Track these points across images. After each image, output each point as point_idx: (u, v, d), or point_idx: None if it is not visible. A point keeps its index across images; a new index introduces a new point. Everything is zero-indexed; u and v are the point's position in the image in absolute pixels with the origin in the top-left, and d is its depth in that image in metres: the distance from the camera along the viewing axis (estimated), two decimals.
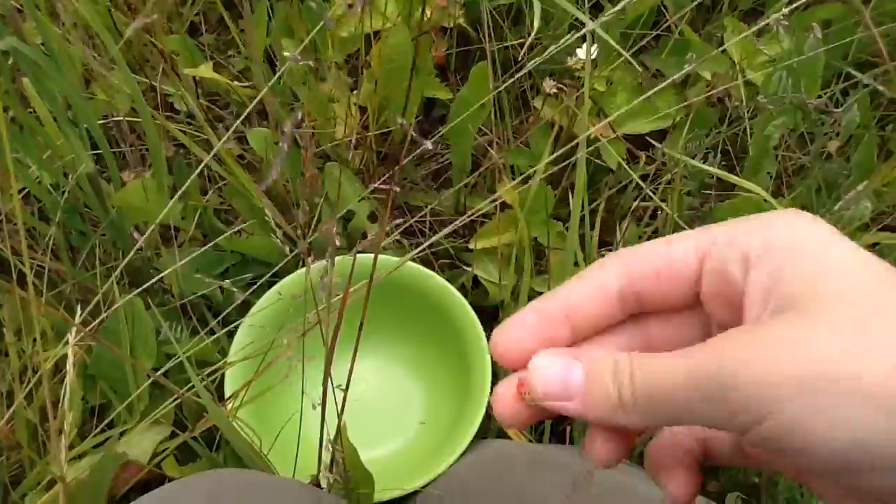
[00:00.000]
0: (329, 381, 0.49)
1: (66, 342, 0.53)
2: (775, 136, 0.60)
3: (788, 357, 0.23)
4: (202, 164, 0.59)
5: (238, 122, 0.59)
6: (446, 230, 0.60)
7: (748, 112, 0.70)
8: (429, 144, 0.44)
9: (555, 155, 0.60)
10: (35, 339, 0.61)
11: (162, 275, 0.59)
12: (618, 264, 0.28)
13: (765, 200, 0.64)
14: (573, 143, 0.72)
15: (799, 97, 0.55)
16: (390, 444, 0.70)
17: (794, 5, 0.58)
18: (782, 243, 0.26)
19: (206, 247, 0.67)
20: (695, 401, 0.24)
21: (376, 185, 0.62)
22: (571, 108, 0.70)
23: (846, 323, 0.23)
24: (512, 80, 0.69)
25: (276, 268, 0.68)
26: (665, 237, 0.28)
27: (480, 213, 0.76)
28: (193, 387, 0.56)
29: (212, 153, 0.57)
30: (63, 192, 0.64)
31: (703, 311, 0.28)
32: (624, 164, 0.65)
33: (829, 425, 0.22)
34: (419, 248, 0.58)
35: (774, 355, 0.23)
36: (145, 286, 0.59)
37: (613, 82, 0.76)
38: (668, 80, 0.57)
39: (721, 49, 0.71)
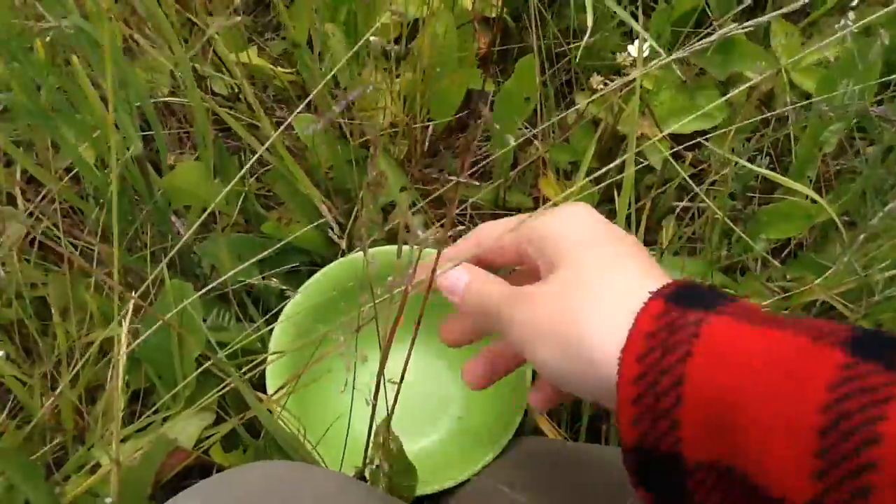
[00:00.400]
0: (379, 376, 0.49)
1: (119, 323, 0.53)
2: (832, 141, 0.60)
3: (529, 306, 0.41)
4: (257, 154, 0.59)
5: (293, 116, 0.58)
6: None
7: (794, 114, 0.70)
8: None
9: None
10: (81, 320, 0.61)
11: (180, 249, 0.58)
12: (474, 243, 0.49)
13: (813, 202, 0.64)
14: (617, 141, 0.72)
15: (862, 104, 0.54)
16: (427, 439, 0.70)
17: (852, 6, 0.58)
18: (553, 233, 0.43)
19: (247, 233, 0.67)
20: (494, 320, 0.44)
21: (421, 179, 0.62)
22: (618, 105, 0.70)
23: (563, 281, 0.41)
24: (560, 74, 0.69)
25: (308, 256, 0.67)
26: (500, 225, 0.48)
27: (520, 207, 0.76)
28: (245, 374, 0.57)
29: (266, 144, 0.56)
30: (110, 173, 0.63)
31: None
32: (672, 161, 0.65)
33: (545, 357, 0.40)
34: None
35: (524, 304, 0.42)
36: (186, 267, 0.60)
37: (657, 80, 0.76)
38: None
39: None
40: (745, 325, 0.35)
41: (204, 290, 0.58)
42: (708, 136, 0.67)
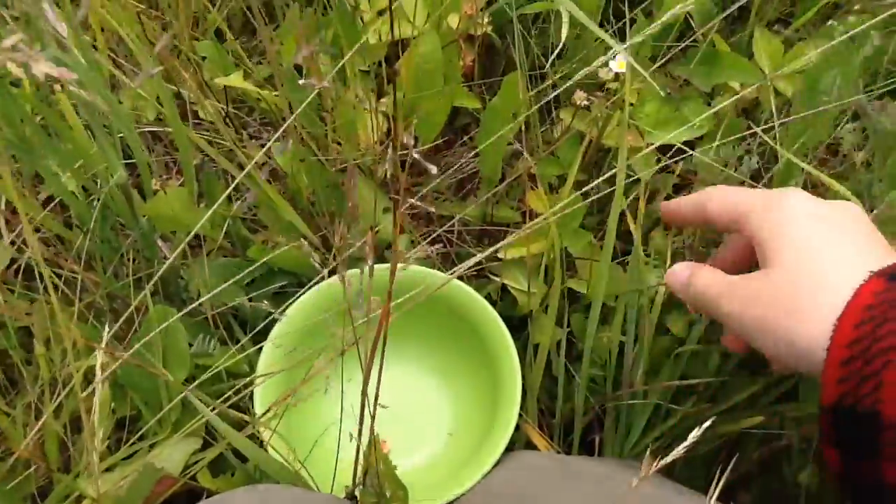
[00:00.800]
0: (362, 395, 0.49)
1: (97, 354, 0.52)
2: (815, 138, 0.60)
3: (746, 306, 0.47)
4: (236, 181, 0.59)
5: (271, 140, 0.58)
6: (495, 247, 0.60)
7: (778, 121, 0.70)
8: (433, 170, 0.45)
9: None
10: (64, 350, 0.60)
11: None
12: (706, 198, 0.54)
13: None
14: (603, 154, 0.72)
15: (859, 102, 0.54)
16: (418, 456, 0.70)
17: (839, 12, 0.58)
18: (775, 219, 0.48)
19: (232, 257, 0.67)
20: (712, 312, 0.51)
21: (409, 201, 0.62)
22: (601, 120, 0.70)
23: (778, 286, 0.46)
24: (542, 91, 0.69)
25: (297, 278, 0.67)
26: (731, 191, 0.53)
27: (508, 222, 0.75)
28: (227, 401, 0.56)
29: (244, 172, 0.56)
30: (94, 201, 0.63)
31: None
32: (656, 173, 0.65)
33: (764, 349, 0.47)
34: (462, 267, 0.57)
35: (741, 303, 0.48)
36: (171, 297, 0.59)
37: (640, 93, 0.75)
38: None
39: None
40: None
41: (187, 311, 0.57)
42: (694, 145, 0.67)
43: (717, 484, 0.41)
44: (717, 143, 0.68)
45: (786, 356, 0.45)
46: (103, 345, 0.46)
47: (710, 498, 0.41)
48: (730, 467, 0.47)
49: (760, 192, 0.51)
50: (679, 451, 0.42)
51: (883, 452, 0.40)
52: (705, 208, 0.53)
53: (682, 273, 0.54)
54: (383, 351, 0.44)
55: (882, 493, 0.41)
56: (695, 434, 0.42)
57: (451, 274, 0.56)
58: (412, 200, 0.45)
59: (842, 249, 0.45)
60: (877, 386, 0.39)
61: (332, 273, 0.69)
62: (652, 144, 0.65)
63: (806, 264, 0.45)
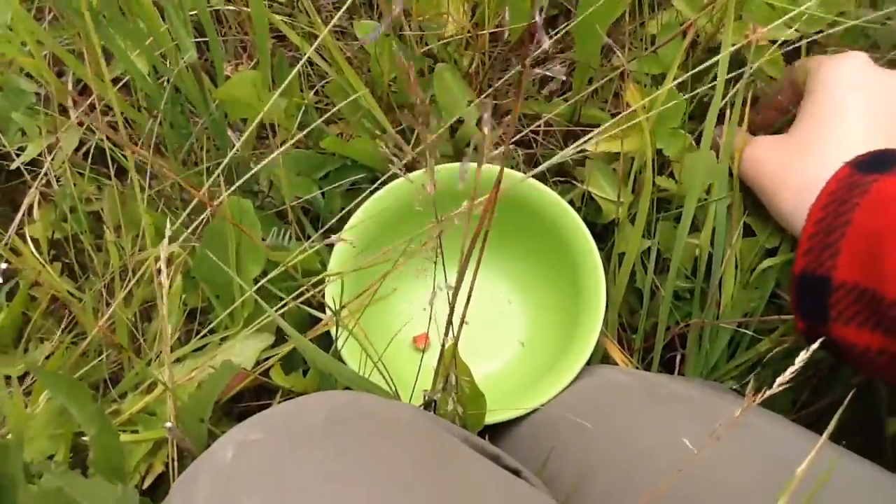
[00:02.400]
0: (453, 295, 0.46)
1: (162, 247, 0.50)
2: None
3: (772, 164, 0.56)
4: (305, 57, 0.55)
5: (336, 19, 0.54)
6: (585, 138, 0.55)
7: None
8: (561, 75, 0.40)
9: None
10: (134, 237, 0.59)
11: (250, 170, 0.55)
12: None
13: None
14: (710, 55, 0.66)
15: None
16: (490, 364, 0.67)
17: None
18: (822, 80, 0.55)
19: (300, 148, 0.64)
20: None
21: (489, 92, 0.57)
22: (715, 11, 0.63)
23: (791, 149, 0.55)
24: None
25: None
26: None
27: (598, 123, 0.70)
28: (300, 297, 0.54)
29: (316, 42, 0.52)
30: (164, 83, 0.60)
31: None
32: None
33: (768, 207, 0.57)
34: (548, 163, 0.53)
35: (771, 159, 0.57)
36: (243, 182, 0.56)
37: None
38: None
39: None
40: None
41: (259, 204, 0.54)
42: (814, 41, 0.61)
43: (834, 423, 0.38)
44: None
45: (779, 220, 0.56)
46: (167, 234, 0.43)
47: (825, 435, 0.38)
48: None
49: (829, 55, 0.57)
50: (786, 376, 0.39)
51: (831, 313, 0.49)
52: (792, 76, 0.60)
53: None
54: (481, 251, 0.41)
55: (838, 348, 0.50)
56: (802, 357, 0.39)
57: (535, 170, 0.52)
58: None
59: (856, 126, 0.53)
60: (833, 254, 0.48)
61: (409, 169, 0.66)
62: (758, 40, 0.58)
63: (819, 134, 0.54)
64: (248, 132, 0.64)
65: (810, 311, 0.51)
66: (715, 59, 0.57)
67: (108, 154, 0.58)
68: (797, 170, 0.54)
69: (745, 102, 0.62)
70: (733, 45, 0.57)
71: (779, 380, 0.39)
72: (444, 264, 0.47)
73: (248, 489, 0.35)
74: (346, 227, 0.61)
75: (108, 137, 0.59)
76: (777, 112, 0.64)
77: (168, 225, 0.46)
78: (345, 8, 0.54)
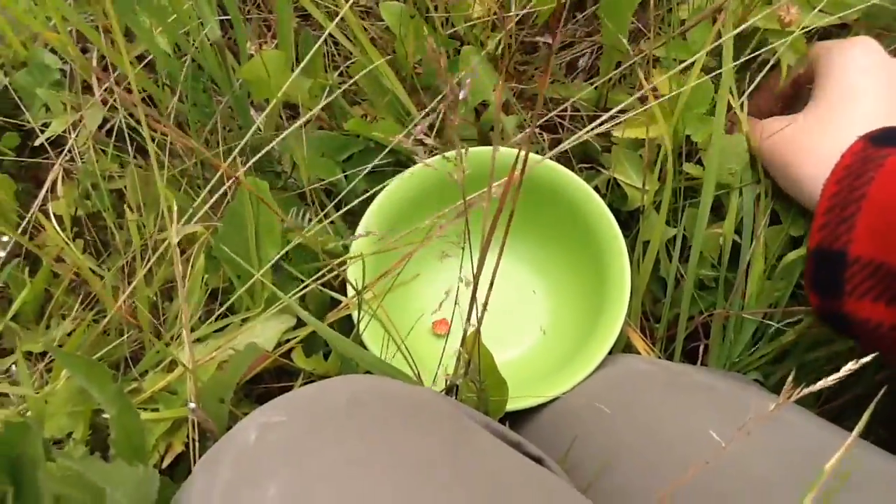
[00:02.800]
0: (474, 281, 0.45)
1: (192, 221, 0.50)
2: None
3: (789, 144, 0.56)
4: (325, 32, 0.54)
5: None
6: (594, 125, 0.54)
7: None
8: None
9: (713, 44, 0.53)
10: (156, 215, 0.59)
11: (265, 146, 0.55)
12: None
13: None
14: (744, 41, 0.65)
15: None
16: (512, 350, 0.67)
17: None
18: (834, 63, 0.55)
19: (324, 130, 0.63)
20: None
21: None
22: None
23: (806, 127, 0.55)
24: None
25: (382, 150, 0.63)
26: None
27: (625, 109, 0.69)
28: (321, 278, 0.53)
29: (337, 18, 0.51)
30: (186, 60, 0.60)
31: None
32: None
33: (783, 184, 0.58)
34: (569, 142, 0.52)
35: (777, 138, 0.57)
36: (260, 162, 0.56)
37: None
38: None
39: None
40: None
41: (281, 185, 0.54)
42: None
43: (865, 420, 0.37)
44: None
45: (796, 197, 0.56)
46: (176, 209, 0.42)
47: (856, 432, 0.37)
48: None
49: (838, 40, 0.57)
50: (830, 381, 0.38)
51: (846, 288, 0.49)
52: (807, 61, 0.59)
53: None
54: (506, 234, 0.40)
55: (850, 324, 0.50)
56: (850, 367, 0.37)
57: (553, 151, 0.51)
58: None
59: (869, 107, 0.53)
60: (849, 228, 0.48)
61: (430, 154, 0.65)
62: (804, 27, 0.57)
63: (833, 113, 0.54)
64: (268, 110, 0.64)
65: (825, 286, 0.50)
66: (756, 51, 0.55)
67: (128, 133, 0.58)
68: (813, 147, 0.54)
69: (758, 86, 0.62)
70: (762, 28, 0.56)
71: (821, 382, 0.38)
72: (470, 247, 0.46)
73: (271, 471, 0.35)
74: (369, 210, 0.60)
75: (130, 115, 0.59)
76: (775, 98, 0.64)
77: (199, 199, 0.46)
78: None
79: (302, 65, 0.53)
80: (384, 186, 0.61)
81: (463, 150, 0.43)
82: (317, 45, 0.56)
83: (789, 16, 0.54)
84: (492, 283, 0.45)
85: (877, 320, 0.48)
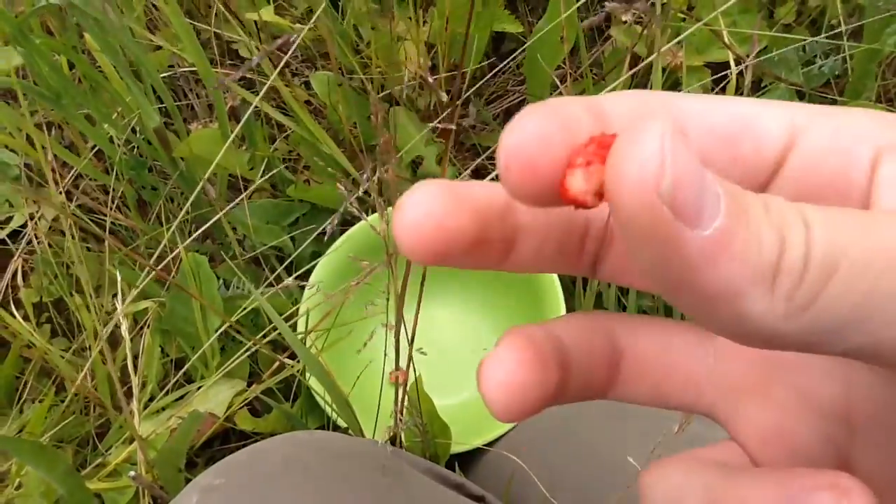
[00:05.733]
0: (402, 332, 0.48)
1: (141, 298, 0.53)
2: (890, 42, 0.54)
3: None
4: (252, 107, 0.58)
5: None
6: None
7: (846, 31, 0.64)
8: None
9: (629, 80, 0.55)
10: (115, 294, 0.62)
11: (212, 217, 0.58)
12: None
13: None
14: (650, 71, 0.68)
15: None
16: (465, 393, 0.69)
17: None
18: None
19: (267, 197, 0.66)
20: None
21: (435, 123, 0.60)
22: (650, 36, 0.65)
23: None
24: (592, 9, 0.65)
25: (337, 215, 0.66)
26: (750, 99, 0.19)
27: None
28: (265, 337, 0.56)
29: (259, 95, 0.55)
30: (132, 148, 0.63)
31: None
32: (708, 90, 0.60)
33: None
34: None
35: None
36: (202, 235, 0.59)
37: (695, 7, 0.70)
38: None
39: None
40: None
41: (232, 258, 0.57)
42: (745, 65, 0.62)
43: None
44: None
45: None
46: (119, 290, 0.46)
47: None
48: None
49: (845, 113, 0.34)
50: None
51: None
52: None
53: (711, 186, 0.18)
54: (422, 288, 0.43)
55: None
56: None
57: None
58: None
59: None
60: None
61: (371, 212, 0.68)
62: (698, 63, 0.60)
63: None
64: (222, 188, 0.67)
65: None
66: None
67: (81, 222, 0.61)
68: None
69: None
70: (664, 67, 0.59)
71: None
72: (391, 302, 0.49)
73: None
74: (316, 270, 0.63)
75: (80, 207, 0.63)
76: None
77: (118, 282, 0.49)
78: (282, 64, 0.56)
79: (230, 138, 0.56)
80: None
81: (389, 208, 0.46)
82: (242, 124, 0.59)
83: (676, 59, 0.57)
84: (412, 334, 0.47)
85: None
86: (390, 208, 0.52)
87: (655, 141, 0.13)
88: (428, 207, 0.16)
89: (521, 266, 0.19)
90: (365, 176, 0.55)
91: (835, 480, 0.15)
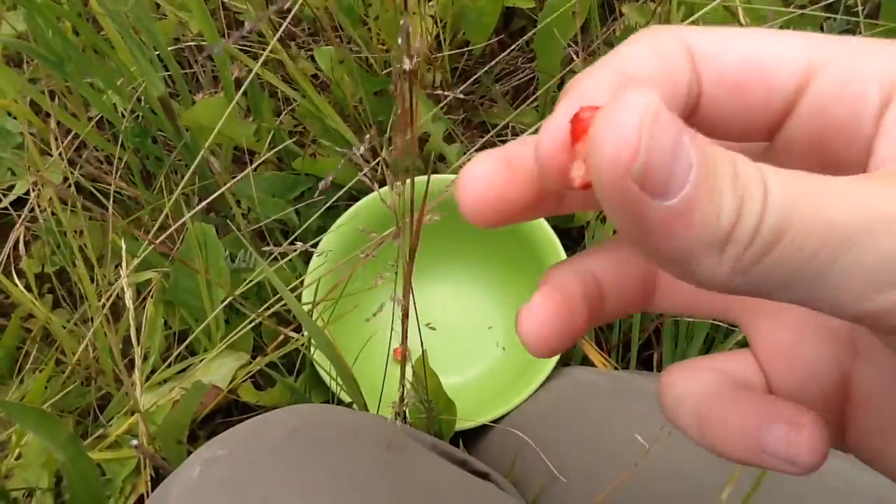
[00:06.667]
0: (405, 311, 0.47)
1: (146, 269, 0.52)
2: None
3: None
4: (253, 73, 0.57)
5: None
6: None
7: (863, 11, 0.63)
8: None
9: None
10: (118, 265, 0.61)
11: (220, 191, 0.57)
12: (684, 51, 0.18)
13: None
14: None
15: None
16: (470, 371, 0.68)
17: None
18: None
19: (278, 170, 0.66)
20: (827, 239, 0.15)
21: (447, 100, 0.59)
22: (663, 13, 0.65)
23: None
24: None
25: (347, 188, 0.65)
26: (769, 32, 0.19)
27: None
28: (269, 309, 0.55)
29: (260, 61, 0.54)
30: (136, 117, 0.63)
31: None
32: None
33: None
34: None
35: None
36: (208, 206, 0.59)
37: None
38: None
39: None
40: None
41: (237, 230, 0.56)
42: None
43: None
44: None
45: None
46: (124, 259, 0.45)
47: None
48: None
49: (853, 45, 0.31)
50: None
51: None
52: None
53: (684, 155, 0.21)
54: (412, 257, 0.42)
55: None
56: None
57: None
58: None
59: None
60: None
61: (380, 185, 0.67)
62: None
63: None
64: (227, 160, 0.67)
65: None
66: None
67: (91, 187, 0.61)
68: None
69: None
70: None
71: None
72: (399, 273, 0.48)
73: (214, 502, 0.37)
74: (321, 244, 0.63)
75: (84, 176, 0.62)
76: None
77: (122, 251, 0.48)
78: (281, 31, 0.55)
79: (231, 105, 0.55)
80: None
81: (405, 180, 0.45)
82: (240, 91, 0.58)
83: None
84: (413, 303, 0.47)
85: None
86: (398, 183, 0.52)
87: (634, 117, 0.14)
88: (487, 181, 0.18)
89: (574, 207, 0.21)
90: (360, 151, 0.55)
91: (795, 416, 0.18)
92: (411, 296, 0.45)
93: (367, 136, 0.46)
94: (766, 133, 0.19)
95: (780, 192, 0.15)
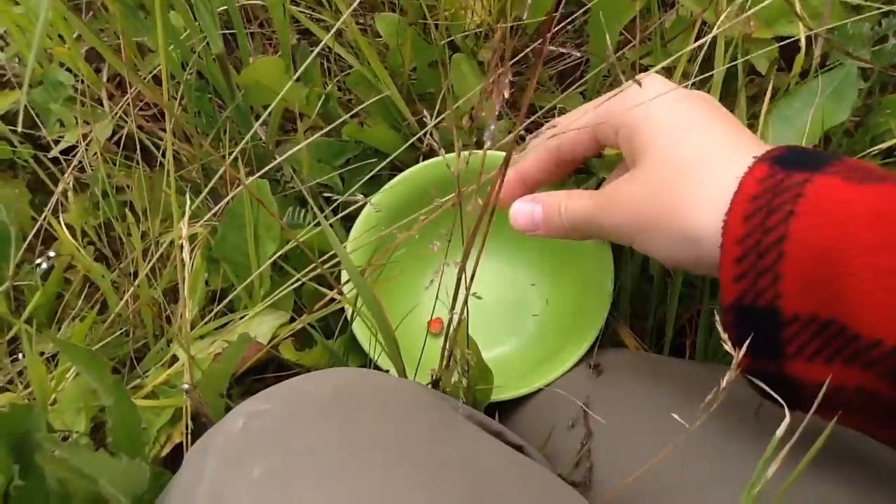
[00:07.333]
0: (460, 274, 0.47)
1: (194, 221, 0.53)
2: None
3: (624, 210, 0.45)
4: (322, 43, 0.57)
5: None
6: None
7: None
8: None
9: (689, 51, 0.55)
10: (165, 219, 0.61)
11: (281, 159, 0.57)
12: (550, 145, 0.54)
13: None
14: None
15: None
16: (505, 346, 0.68)
17: None
18: (639, 111, 0.45)
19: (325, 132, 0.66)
20: (593, 230, 0.48)
21: (497, 76, 0.59)
22: (719, 4, 0.64)
23: (653, 177, 0.43)
24: None
25: (391, 157, 0.65)
26: (576, 112, 0.53)
27: None
28: (314, 270, 0.56)
29: (336, 26, 0.54)
30: (192, 73, 0.63)
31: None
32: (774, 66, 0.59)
33: (656, 250, 0.43)
34: (542, 131, 0.54)
35: (619, 209, 0.45)
36: (266, 170, 0.59)
37: None
38: None
39: None
40: (849, 182, 0.36)
41: (280, 190, 0.57)
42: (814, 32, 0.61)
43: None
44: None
45: (683, 254, 0.42)
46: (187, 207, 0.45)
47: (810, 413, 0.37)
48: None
49: (611, 96, 0.47)
50: None
51: (786, 349, 0.37)
52: (557, 149, 0.53)
53: (532, 211, 0.52)
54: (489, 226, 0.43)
55: (787, 386, 0.38)
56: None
57: (534, 137, 0.54)
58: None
59: (716, 133, 0.43)
60: (775, 279, 0.36)
61: (426, 156, 0.67)
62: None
63: (682, 151, 0.43)
64: (275, 122, 0.67)
65: (756, 346, 0.38)
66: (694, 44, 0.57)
67: (138, 141, 0.61)
68: (688, 186, 0.41)
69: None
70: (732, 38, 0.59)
71: None
72: (463, 238, 0.48)
73: (256, 456, 0.37)
74: (364, 211, 0.63)
75: (139, 127, 0.62)
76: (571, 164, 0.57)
77: (188, 203, 0.49)
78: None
79: (300, 71, 0.56)
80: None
81: (466, 153, 0.47)
82: (313, 55, 0.59)
83: (750, 28, 0.56)
84: (472, 275, 0.47)
85: (837, 383, 0.37)
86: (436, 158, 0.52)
87: (527, 211, 0.53)
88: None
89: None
90: (430, 122, 0.56)
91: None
92: (468, 262, 0.45)
93: (436, 107, 0.47)
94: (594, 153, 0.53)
95: (566, 206, 0.50)
